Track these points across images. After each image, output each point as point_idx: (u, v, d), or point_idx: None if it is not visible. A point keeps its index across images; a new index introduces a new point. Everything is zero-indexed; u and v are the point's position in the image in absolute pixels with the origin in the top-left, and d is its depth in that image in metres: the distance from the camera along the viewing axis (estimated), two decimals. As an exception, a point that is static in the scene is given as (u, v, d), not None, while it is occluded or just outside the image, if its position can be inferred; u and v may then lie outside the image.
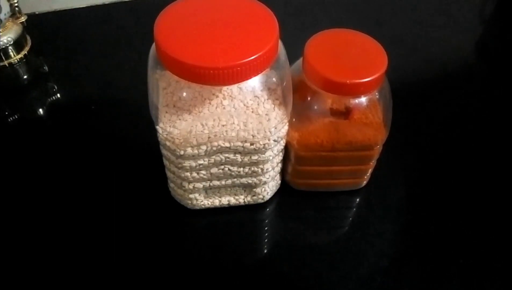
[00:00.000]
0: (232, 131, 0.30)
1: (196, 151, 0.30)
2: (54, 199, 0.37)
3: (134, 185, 0.38)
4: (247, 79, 0.27)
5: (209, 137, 0.29)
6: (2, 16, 0.47)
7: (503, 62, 0.52)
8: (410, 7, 0.59)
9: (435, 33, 0.56)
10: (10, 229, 0.36)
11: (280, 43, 0.29)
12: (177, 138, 0.29)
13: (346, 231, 0.36)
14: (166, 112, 0.30)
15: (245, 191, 0.35)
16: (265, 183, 0.34)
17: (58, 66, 0.51)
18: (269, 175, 0.34)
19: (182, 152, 0.30)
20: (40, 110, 0.46)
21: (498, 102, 0.47)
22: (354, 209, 0.38)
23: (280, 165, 0.35)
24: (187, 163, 0.31)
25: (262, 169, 0.33)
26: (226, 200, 0.35)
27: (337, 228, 0.36)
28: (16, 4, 0.50)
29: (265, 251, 0.35)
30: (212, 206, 0.36)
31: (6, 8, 0.48)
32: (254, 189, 0.35)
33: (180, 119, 0.29)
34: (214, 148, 0.30)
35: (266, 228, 0.37)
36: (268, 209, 0.37)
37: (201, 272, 0.33)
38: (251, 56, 0.26)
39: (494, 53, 0.54)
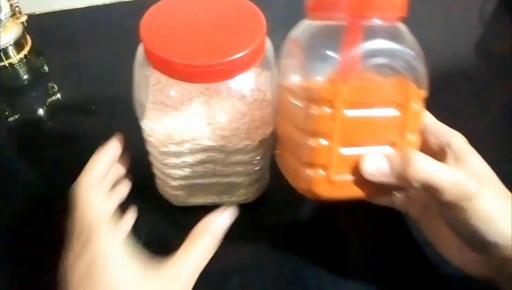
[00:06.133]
0: (217, 130, 0.29)
1: (179, 149, 0.30)
2: (55, 198, 0.37)
3: (132, 185, 0.38)
4: (231, 77, 0.27)
5: (193, 135, 0.29)
6: (2, 16, 0.47)
7: (503, 62, 0.52)
8: (410, 7, 0.59)
9: (435, 33, 0.56)
10: (11, 228, 0.36)
11: (268, 42, 0.29)
12: (161, 135, 0.29)
13: (338, 231, 0.36)
14: (153, 109, 0.30)
15: (230, 190, 0.35)
16: (250, 183, 0.34)
17: (58, 66, 0.51)
18: (254, 176, 0.34)
19: (165, 149, 0.30)
20: (40, 110, 0.46)
21: (498, 102, 0.47)
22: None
23: (267, 166, 0.35)
24: (170, 160, 0.31)
25: (247, 170, 0.32)
26: (211, 198, 0.35)
27: (327, 229, 0.36)
28: (16, 4, 0.50)
29: (256, 250, 0.34)
30: (197, 204, 0.35)
31: (6, 8, 0.48)
32: (240, 189, 0.35)
33: (166, 116, 0.29)
34: (198, 146, 0.30)
35: (254, 227, 0.36)
36: (257, 209, 0.37)
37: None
38: (236, 55, 0.26)
39: (494, 53, 0.54)
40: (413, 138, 0.27)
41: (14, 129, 0.44)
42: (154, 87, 0.30)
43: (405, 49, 0.26)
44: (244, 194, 0.35)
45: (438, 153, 0.29)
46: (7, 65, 0.50)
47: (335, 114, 0.25)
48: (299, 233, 0.36)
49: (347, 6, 0.25)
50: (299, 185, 0.27)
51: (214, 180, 0.33)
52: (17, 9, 0.51)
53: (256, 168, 0.33)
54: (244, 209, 0.36)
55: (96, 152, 0.31)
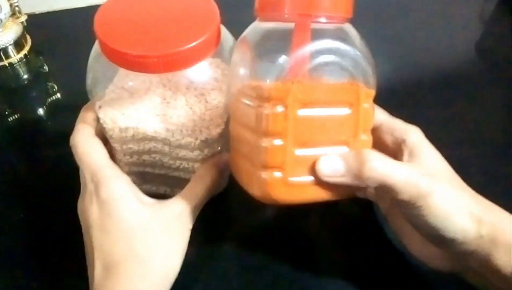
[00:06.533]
0: (163, 122, 0.29)
1: (123, 134, 0.30)
2: (55, 198, 0.37)
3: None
4: (179, 69, 0.27)
5: (137, 123, 0.29)
6: (2, 16, 0.47)
7: (503, 62, 0.52)
8: (410, 7, 0.59)
9: (434, 33, 0.56)
10: (11, 228, 0.36)
11: (228, 35, 0.30)
12: (108, 118, 0.30)
13: (336, 231, 0.36)
14: (112, 92, 0.30)
15: (180, 184, 0.34)
16: None
17: (58, 66, 0.51)
18: None
19: (111, 133, 0.30)
20: (40, 110, 0.46)
21: (498, 102, 0.47)
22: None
23: None
24: (117, 145, 0.31)
25: (194, 167, 0.32)
26: (163, 189, 0.35)
27: (326, 229, 0.36)
28: (16, 4, 0.50)
29: (255, 251, 0.34)
30: (152, 192, 0.35)
31: (6, 8, 0.48)
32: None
33: (119, 101, 0.30)
34: (141, 135, 0.30)
35: (253, 229, 0.36)
36: (255, 210, 0.36)
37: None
38: (183, 46, 0.26)
39: (494, 53, 0.54)
40: (366, 137, 0.27)
41: (14, 129, 0.44)
42: (121, 71, 0.30)
43: (352, 48, 0.26)
44: None
45: (396, 151, 0.29)
46: (7, 65, 0.50)
47: (287, 113, 0.24)
48: (297, 233, 0.36)
49: (293, 7, 0.25)
50: (255, 190, 0.26)
51: (163, 171, 0.33)
52: (17, 8, 0.51)
53: (211, 152, 0.32)
54: (243, 210, 0.37)
55: (82, 109, 0.32)
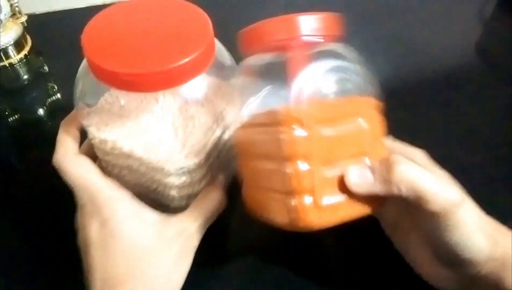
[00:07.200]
0: (142, 141, 0.28)
1: (102, 146, 0.29)
2: (55, 198, 0.37)
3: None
4: (168, 87, 0.26)
5: (118, 137, 0.28)
6: (2, 16, 0.47)
7: (503, 62, 0.52)
8: (410, 7, 0.59)
9: (435, 33, 0.56)
10: (11, 228, 0.36)
11: (223, 49, 0.29)
12: (93, 127, 0.29)
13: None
14: (104, 101, 0.29)
15: (162, 200, 0.32)
16: (183, 197, 0.31)
17: (58, 66, 0.51)
18: (188, 191, 0.31)
19: (93, 142, 0.30)
20: (40, 110, 0.46)
21: (498, 102, 0.47)
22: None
23: (205, 181, 0.32)
24: (100, 154, 0.30)
25: (168, 194, 0.30)
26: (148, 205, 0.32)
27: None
28: (16, 4, 0.50)
29: (256, 252, 0.34)
30: None
31: (6, 8, 0.48)
32: (175, 201, 0.32)
33: (109, 112, 0.29)
34: (117, 151, 0.28)
35: (253, 229, 0.36)
36: None
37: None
38: (173, 63, 0.25)
39: (494, 53, 0.54)
40: (383, 147, 0.27)
41: (14, 129, 0.44)
42: None
43: (354, 64, 0.27)
44: (184, 206, 0.32)
45: None
46: (7, 65, 0.50)
47: (308, 133, 0.24)
48: (297, 234, 0.36)
49: (282, 33, 0.26)
50: (283, 219, 0.25)
51: (142, 191, 0.31)
52: (17, 9, 0.51)
53: (178, 195, 0.31)
54: (243, 210, 0.37)
55: (62, 123, 0.31)
